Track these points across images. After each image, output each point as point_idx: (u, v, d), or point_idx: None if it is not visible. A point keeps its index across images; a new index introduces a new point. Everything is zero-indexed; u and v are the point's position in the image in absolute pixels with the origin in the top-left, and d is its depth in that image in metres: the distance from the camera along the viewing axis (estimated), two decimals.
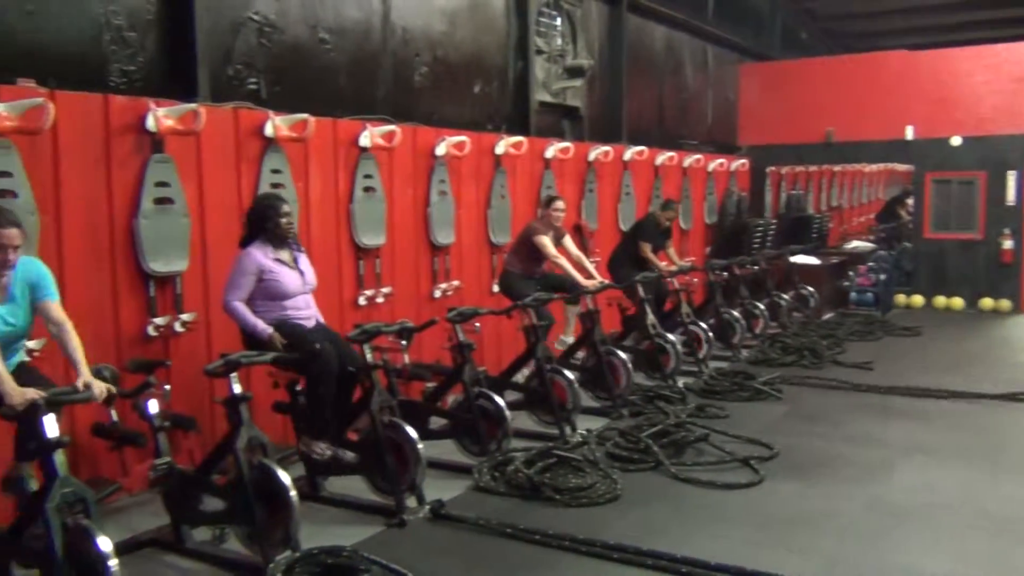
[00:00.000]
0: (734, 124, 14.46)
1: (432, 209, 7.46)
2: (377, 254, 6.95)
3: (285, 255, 5.19)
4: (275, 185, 6.03)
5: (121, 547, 3.62)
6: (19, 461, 4.01)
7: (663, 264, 9.06)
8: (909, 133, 13.02)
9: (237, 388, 4.38)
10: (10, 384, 3.55)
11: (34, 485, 3.81)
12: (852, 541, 4.66)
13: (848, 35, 19.44)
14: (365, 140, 6.75)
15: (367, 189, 6.82)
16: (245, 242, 5.20)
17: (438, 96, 8.50)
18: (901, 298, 13.25)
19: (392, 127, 6.99)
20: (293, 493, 4.21)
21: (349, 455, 5.17)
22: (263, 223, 5.13)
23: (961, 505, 5.16)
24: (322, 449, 5.17)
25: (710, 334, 8.80)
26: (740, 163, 13.33)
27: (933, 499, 5.27)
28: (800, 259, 12.00)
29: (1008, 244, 12.52)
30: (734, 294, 10.02)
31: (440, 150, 7.47)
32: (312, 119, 6.22)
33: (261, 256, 5.08)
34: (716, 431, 6.35)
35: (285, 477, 4.24)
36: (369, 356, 5.14)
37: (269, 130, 5.99)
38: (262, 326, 5.02)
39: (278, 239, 5.15)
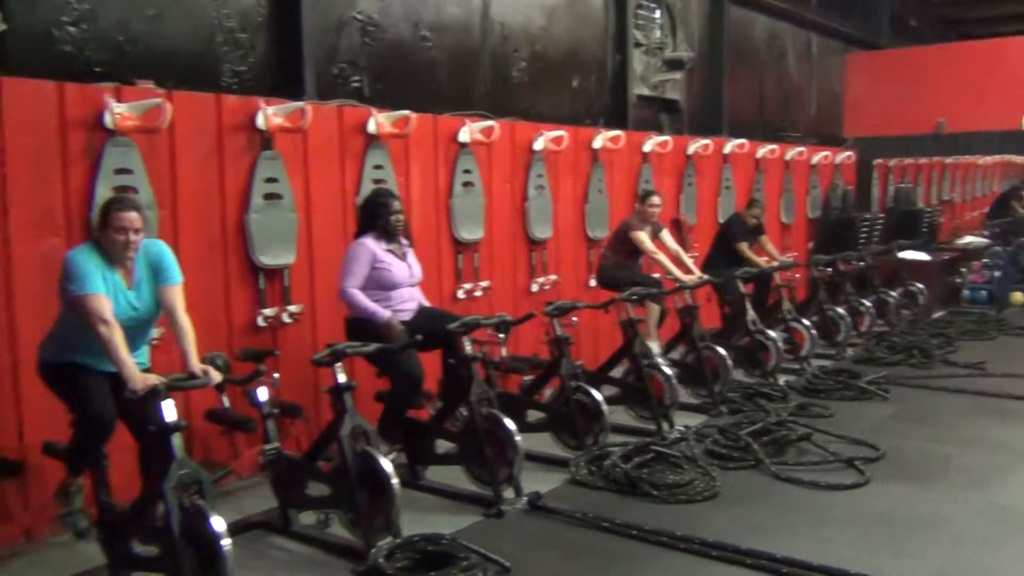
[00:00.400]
0: (839, 116, 14.05)
1: (530, 204, 7.51)
2: (475, 248, 7.03)
3: (395, 248, 5.34)
4: (377, 180, 6.17)
5: (232, 528, 3.74)
6: (140, 443, 4.22)
7: (762, 260, 8.87)
8: None
9: (342, 377, 4.50)
10: (133, 369, 3.72)
11: None
12: (965, 547, 4.48)
13: (961, 22, 18.60)
14: (464, 136, 6.84)
15: (466, 184, 6.90)
16: (359, 234, 5.37)
17: (536, 91, 8.54)
18: (1017, 296, 12.61)
19: (491, 122, 7.05)
20: (395, 480, 4.30)
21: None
22: (375, 218, 5.29)
23: None
24: (386, 451, 5.28)
25: (813, 331, 8.58)
26: (845, 156, 12.93)
27: None
28: (909, 255, 11.56)
29: None
30: (839, 291, 9.72)
31: (538, 145, 7.51)
32: (413, 115, 6.34)
33: (374, 245, 5.23)
34: (819, 430, 6.18)
35: (387, 465, 4.34)
36: (468, 348, 5.21)
37: (372, 127, 6.13)
38: (381, 311, 5.14)
39: (389, 234, 5.30)
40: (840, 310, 9.25)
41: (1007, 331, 10.44)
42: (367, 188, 6.09)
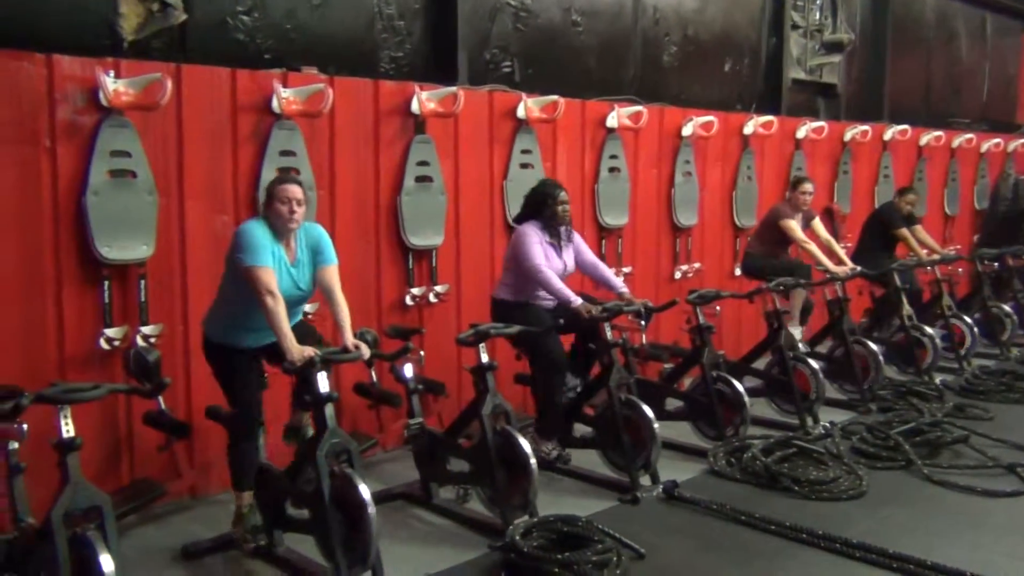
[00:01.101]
0: (1014, 100, 13.11)
1: (676, 190, 7.42)
2: (619, 234, 7.03)
3: (555, 241, 5.33)
4: (524, 165, 6.26)
5: (376, 497, 3.91)
6: (296, 410, 4.48)
7: (923, 252, 8.42)
8: None
9: (485, 357, 4.63)
10: (292, 342, 3.92)
11: (309, 433, 4.22)
12: None
13: None
14: (612, 121, 6.83)
15: (612, 169, 6.90)
16: (519, 220, 5.42)
17: (686, 75, 8.40)
18: None
19: (639, 107, 7.01)
20: (533, 461, 4.40)
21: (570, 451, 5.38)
22: (542, 208, 5.30)
23: None
24: (548, 449, 5.36)
25: (975, 329, 8.11)
26: (1020, 143, 12.07)
27: None
28: None
29: None
30: (1006, 287, 9.13)
31: (687, 130, 7.41)
32: (562, 100, 6.38)
33: (538, 233, 5.26)
34: (978, 433, 5.87)
35: (526, 444, 4.44)
36: (609, 334, 5.22)
37: (521, 112, 6.22)
38: (573, 296, 5.15)
39: (553, 226, 5.31)
40: (1006, 307, 8.70)
41: None
42: (515, 172, 6.19)
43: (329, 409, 3.91)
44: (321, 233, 4.29)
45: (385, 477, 5.30)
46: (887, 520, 4.67)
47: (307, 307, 4.87)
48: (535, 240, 5.19)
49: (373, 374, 5.19)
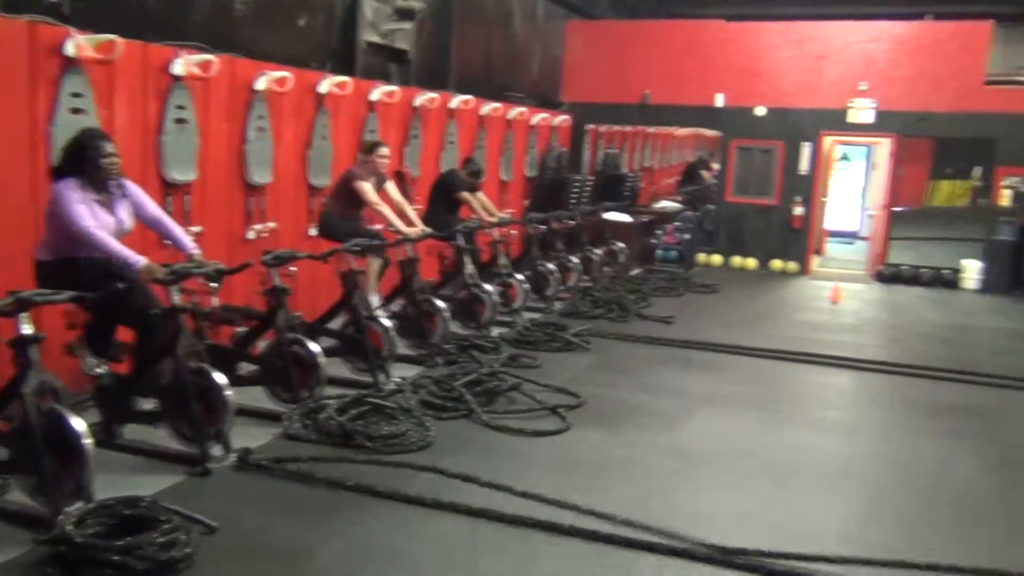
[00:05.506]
0: (559, 80, 14.69)
1: (249, 146, 7.14)
2: (187, 190, 6.59)
3: (104, 198, 4.79)
4: (76, 111, 5.57)
5: None
6: None
7: (484, 215, 9.13)
8: (719, 100, 13.74)
9: (27, 328, 4.06)
10: None
11: None
12: (651, 486, 4.97)
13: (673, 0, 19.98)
14: (178, 68, 6.34)
15: (179, 121, 6.43)
16: (57, 176, 4.76)
17: (259, 27, 8.10)
18: (702, 257, 14.07)
19: (209, 56, 6.60)
20: (87, 441, 3.98)
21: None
22: (82, 162, 4.70)
23: (750, 452, 5.61)
24: (92, 365, 4.95)
25: (526, 286, 9.00)
26: (562, 119, 13.58)
27: (725, 446, 5.69)
28: (613, 216, 12.46)
29: (799, 211, 13.58)
30: (550, 248, 10.28)
31: (260, 84, 7.15)
32: (121, 41, 5.77)
33: (78, 191, 4.66)
34: (528, 380, 6.54)
35: (79, 424, 4.00)
36: (176, 298, 4.89)
37: (70, 49, 5.51)
38: (135, 256, 4.65)
39: (98, 181, 4.75)
40: (551, 266, 9.78)
41: (693, 288, 11.63)
42: (64, 117, 5.48)
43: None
44: None
45: None
46: (452, 467, 5.01)
47: None
48: (75, 199, 4.62)
49: None
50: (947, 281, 12.93)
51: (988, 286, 12.56)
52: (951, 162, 24.49)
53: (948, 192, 24.83)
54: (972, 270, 12.77)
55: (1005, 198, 12.59)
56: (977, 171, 16.73)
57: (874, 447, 5.94)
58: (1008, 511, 4.89)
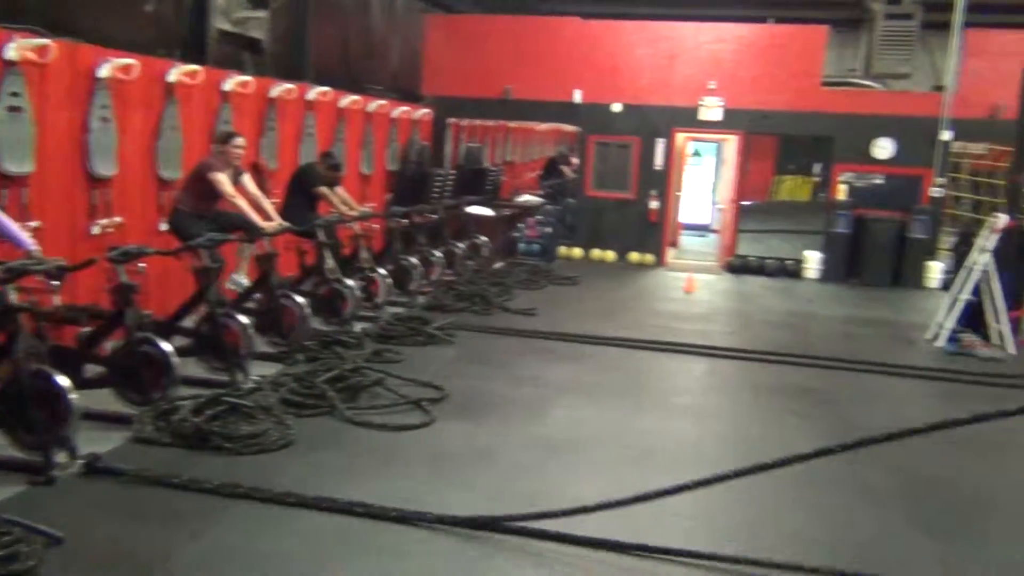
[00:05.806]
0: (419, 73, 14.64)
1: (92, 136, 6.78)
2: (24, 183, 6.20)
3: None
4: None
5: None
6: None
7: (344, 209, 9.00)
8: (577, 97, 14.02)
9: None
10: None
11: None
12: (513, 474, 5.05)
13: None
14: (12, 53, 5.95)
15: (13, 109, 6.03)
16: None
17: (100, 11, 7.69)
18: (563, 250, 14.35)
19: (45, 40, 6.22)
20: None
21: None
22: None
23: (609, 438, 5.78)
24: None
25: (388, 280, 8.95)
26: (423, 112, 13.55)
27: (586, 433, 5.85)
28: (475, 210, 12.53)
29: (654, 204, 14.05)
30: (412, 242, 10.25)
31: (103, 72, 6.79)
32: None
33: None
34: (391, 375, 6.51)
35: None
36: (13, 297, 4.60)
37: None
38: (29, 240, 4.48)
39: None
40: (413, 260, 9.76)
41: (554, 281, 11.85)
42: None
43: None
44: None
45: None
46: (316, 465, 4.95)
47: None
48: None
49: None
50: (791, 271, 13.69)
51: (827, 275, 13.38)
52: (794, 159, 26.04)
53: (791, 187, 26.37)
54: (813, 260, 13.58)
55: (841, 192, 13.44)
56: (817, 167, 17.81)
57: (724, 429, 6.24)
58: (848, 481, 5.24)
